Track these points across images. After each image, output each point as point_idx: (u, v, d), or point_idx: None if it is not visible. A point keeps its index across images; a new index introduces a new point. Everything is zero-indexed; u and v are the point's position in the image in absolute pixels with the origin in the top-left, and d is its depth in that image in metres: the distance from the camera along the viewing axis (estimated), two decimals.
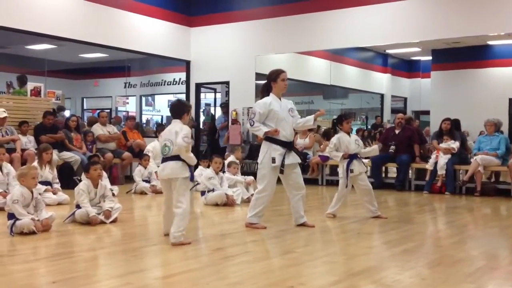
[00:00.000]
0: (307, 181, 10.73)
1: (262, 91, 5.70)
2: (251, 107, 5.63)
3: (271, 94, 5.59)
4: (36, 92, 9.96)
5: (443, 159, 9.14)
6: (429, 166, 9.36)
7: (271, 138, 5.47)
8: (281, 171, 5.47)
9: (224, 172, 7.91)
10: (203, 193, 7.62)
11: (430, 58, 12.15)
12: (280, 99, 5.61)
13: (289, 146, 5.51)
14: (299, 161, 5.65)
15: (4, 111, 8.66)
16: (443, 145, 9.30)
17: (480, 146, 9.28)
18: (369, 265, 4.11)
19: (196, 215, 7.03)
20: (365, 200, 6.40)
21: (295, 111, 5.69)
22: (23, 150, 8.53)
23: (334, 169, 10.17)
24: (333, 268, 4.08)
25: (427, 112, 11.87)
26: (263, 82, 5.83)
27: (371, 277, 3.69)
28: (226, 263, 4.11)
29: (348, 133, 6.42)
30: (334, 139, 6.45)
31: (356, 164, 6.29)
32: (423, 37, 10.52)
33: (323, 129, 12.21)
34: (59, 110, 12.64)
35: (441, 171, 9.13)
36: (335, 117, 6.57)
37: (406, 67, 14.08)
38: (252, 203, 5.67)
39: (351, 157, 6.29)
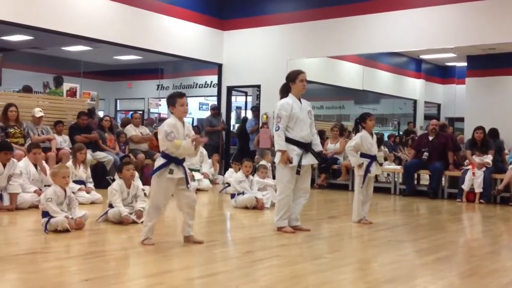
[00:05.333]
0: (337, 186, 10.69)
1: (281, 92, 5.70)
2: (277, 110, 5.57)
3: (290, 94, 5.60)
4: (72, 93, 10.17)
5: (479, 176, 8.87)
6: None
7: (288, 138, 5.47)
8: (298, 172, 5.46)
9: (253, 175, 7.93)
10: (233, 195, 7.64)
11: (465, 64, 11.95)
12: (300, 100, 5.60)
13: (306, 147, 5.51)
14: (316, 162, 5.65)
15: (40, 111, 8.84)
16: (476, 159, 9.06)
17: None
18: (400, 273, 4.05)
19: (225, 217, 7.07)
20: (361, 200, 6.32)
21: (313, 115, 5.70)
22: (58, 149, 8.69)
23: None
24: (364, 275, 4.04)
25: (461, 119, 11.66)
26: None
27: (403, 285, 3.63)
28: (256, 267, 4.11)
29: (371, 133, 6.34)
30: (356, 138, 6.27)
31: (374, 166, 6.26)
32: (458, 42, 10.35)
33: (353, 135, 12.11)
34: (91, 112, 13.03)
35: (478, 189, 8.84)
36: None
37: (440, 73, 13.87)
38: (275, 207, 5.68)
39: (372, 158, 6.23)
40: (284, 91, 5.66)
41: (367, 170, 6.22)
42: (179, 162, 4.65)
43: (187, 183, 4.72)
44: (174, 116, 4.71)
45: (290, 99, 5.56)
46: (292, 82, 5.60)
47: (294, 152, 5.44)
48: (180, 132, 4.64)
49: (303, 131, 5.50)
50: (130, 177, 5.97)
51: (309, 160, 5.54)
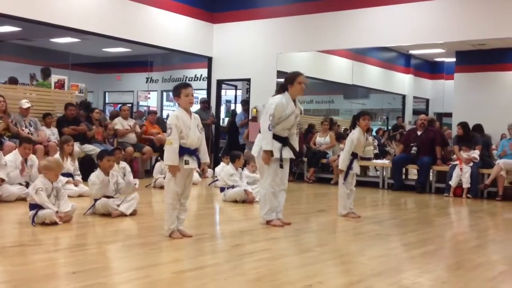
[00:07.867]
0: (325, 180, 10.72)
1: (279, 90, 5.71)
2: (271, 109, 5.56)
3: (286, 93, 5.59)
4: (60, 85, 10.09)
5: (467, 172, 8.93)
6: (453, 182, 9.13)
7: None
8: (281, 166, 5.54)
9: (243, 169, 7.93)
10: (222, 189, 7.64)
11: (454, 59, 12.00)
12: (295, 101, 5.61)
13: (285, 141, 5.60)
14: (293, 156, 5.70)
15: (27, 102, 8.75)
16: (464, 154, 9.12)
17: (503, 150, 9.13)
18: (388, 266, 4.08)
19: (214, 211, 7.07)
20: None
21: (298, 118, 5.76)
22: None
23: None
24: (352, 268, 4.06)
25: (449, 114, 11.73)
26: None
27: (391, 279, 3.66)
28: (245, 260, 4.12)
29: (364, 131, 6.35)
30: (353, 138, 6.29)
31: (356, 163, 6.31)
32: (447, 38, 10.39)
33: (342, 129, 12.13)
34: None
35: (466, 185, 8.91)
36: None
37: (429, 68, 13.91)
38: (260, 201, 5.74)
39: (354, 155, 6.27)
40: (281, 88, 5.66)
41: (349, 167, 6.25)
42: (191, 152, 4.66)
43: (202, 173, 4.86)
44: (179, 107, 4.71)
45: (285, 99, 5.54)
46: (290, 84, 5.59)
47: (275, 145, 5.50)
48: (187, 124, 4.63)
49: (283, 130, 5.60)
50: (108, 168, 5.93)
51: (288, 153, 5.62)
